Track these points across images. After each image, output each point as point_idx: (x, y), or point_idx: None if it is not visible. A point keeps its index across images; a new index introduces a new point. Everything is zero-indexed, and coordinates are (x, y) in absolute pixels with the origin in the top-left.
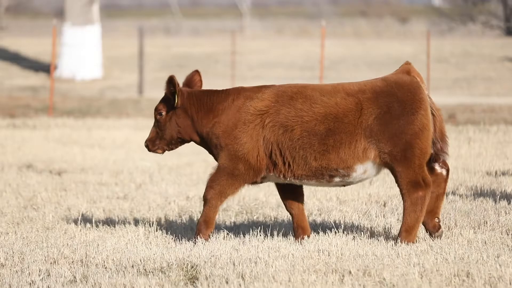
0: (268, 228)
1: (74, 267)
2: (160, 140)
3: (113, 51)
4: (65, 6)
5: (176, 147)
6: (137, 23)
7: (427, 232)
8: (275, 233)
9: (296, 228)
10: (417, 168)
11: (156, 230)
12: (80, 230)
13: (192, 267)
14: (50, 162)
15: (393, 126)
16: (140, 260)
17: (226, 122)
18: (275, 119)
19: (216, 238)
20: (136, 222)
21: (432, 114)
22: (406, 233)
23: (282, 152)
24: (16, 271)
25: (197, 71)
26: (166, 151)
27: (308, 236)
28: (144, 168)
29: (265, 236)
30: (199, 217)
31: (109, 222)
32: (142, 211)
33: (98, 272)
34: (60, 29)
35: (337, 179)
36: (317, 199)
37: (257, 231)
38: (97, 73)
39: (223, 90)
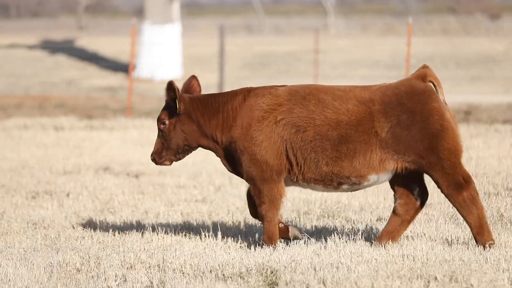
0: (350, 232)
1: (151, 272)
2: (167, 151)
3: (193, 50)
4: (145, 5)
5: (184, 157)
6: (218, 22)
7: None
8: (358, 237)
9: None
10: (450, 169)
11: (235, 234)
12: (158, 234)
13: (272, 272)
14: (127, 164)
15: (406, 138)
16: (219, 265)
17: (241, 124)
18: (288, 117)
19: (296, 242)
20: (215, 225)
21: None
22: (479, 235)
23: (294, 152)
24: (92, 276)
25: (194, 77)
26: (174, 162)
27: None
28: (224, 170)
29: (347, 240)
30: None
31: (187, 226)
32: (221, 214)
33: (175, 278)
34: (139, 28)
35: (345, 186)
36: None
37: (339, 235)
38: (177, 73)
39: (227, 91)
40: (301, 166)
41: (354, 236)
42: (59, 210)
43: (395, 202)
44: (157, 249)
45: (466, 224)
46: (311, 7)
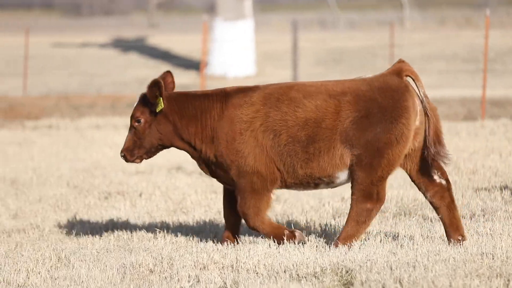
0: (427, 230)
1: (224, 273)
2: (139, 149)
3: (266, 47)
4: (217, 1)
5: (155, 155)
6: (291, 17)
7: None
8: (435, 235)
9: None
10: (377, 179)
11: (310, 233)
12: None
13: (347, 272)
14: None
15: (369, 133)
16: (293, 265)
17: (225, 138)
18: (265, 123)
19: (373, 241)
20: (289, 225)
21: (426, 114)
22: (343, 241)
23: (275, 158)
24: (165, 277)
25: (169, 72)
26: (144, 160)
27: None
28: None
29: (424, 239)
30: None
31: None
32: (295, 213)
33: (249, 278)
34: (211, 25)
35: (322, 186)
36: (481, 199)
37: (415, 234)
38: (250, 70)
39: (203, 93)
40: (281, 172)
41: (431, 235)
42: (131, 210)
43: (429, 199)
44: (231, 249)
45: None
46: (386, 1)
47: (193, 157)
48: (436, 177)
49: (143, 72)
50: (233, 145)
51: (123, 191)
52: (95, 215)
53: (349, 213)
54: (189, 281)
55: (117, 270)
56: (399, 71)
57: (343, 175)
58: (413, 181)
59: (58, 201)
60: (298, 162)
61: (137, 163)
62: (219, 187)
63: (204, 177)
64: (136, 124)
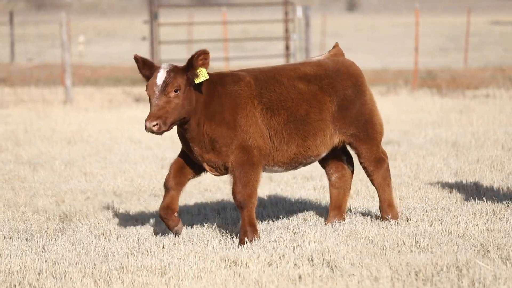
0: None
1: None
2: (171, 119)
3: None
4: None
5: (169, 130)
6: None
7: None
8: None
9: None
10: (378, 144)
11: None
12: None
13: None
14: None
15: (351, 110)
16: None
17: (226, 113)
18: (262, 102)
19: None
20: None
21: None
22: (390, 208)
23: (271, 136)
24: None
25: (208, 52)
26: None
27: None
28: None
29: None
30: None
31: None
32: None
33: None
34: None
35: (301, 166)
36: None
37: None
38: None
39: (212, 75)
40: (273, 149)
41: None
42: None
43: (330, 179)
44: None
45: None
46: None
47: (193, 136)
48: (345, 162)
49: None
50: (236, 120)
51: None
52: None
53: (377, 183)
54: None
55: None
56: (340, 54)
57: (324, 154)
58: (324, 159)
59: (493, 162)
60: (296, 139)
61: (160, 134)
62: None
63: None
64: (174, 93)
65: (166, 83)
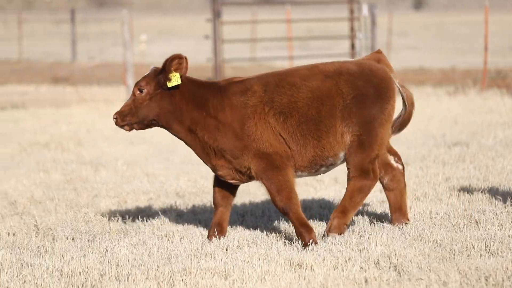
0: None
1: None
2: (132, 117)
3: None
4: None
5: (144, 129)
6: None
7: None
8: None
9: (214, 225)
10: (373, 157)
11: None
12: None
13: None
14: None
15: (369, 111)
16: None
17: (232, 125)
18: (273, 108)
19: None
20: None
21: (404, 102)
22: (342, 214)
23: (287, 141)
24: None
25: (184, 57)
26: (134, 130)
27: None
28: None
29: None
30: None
31: None
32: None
33: None
34: None
35: (323, 169)
36: None
37: None
38: None
39: (208, 83)
40: (293, 155)
41: None
42: None
43: (383, 182)
44: None
45: None
46: None
47: (189, 143)
48: (393, 161)
49: None
50: (243, 130)
51: None
52: None
53: (348, 188)
54: None
55: None
56: (378, 59)
57: (342, 154)
58: None
59: None
60: (311, 141)
61: (126, 130)
62: None
63: None
64: (138, 93)
65: (135, 84)
